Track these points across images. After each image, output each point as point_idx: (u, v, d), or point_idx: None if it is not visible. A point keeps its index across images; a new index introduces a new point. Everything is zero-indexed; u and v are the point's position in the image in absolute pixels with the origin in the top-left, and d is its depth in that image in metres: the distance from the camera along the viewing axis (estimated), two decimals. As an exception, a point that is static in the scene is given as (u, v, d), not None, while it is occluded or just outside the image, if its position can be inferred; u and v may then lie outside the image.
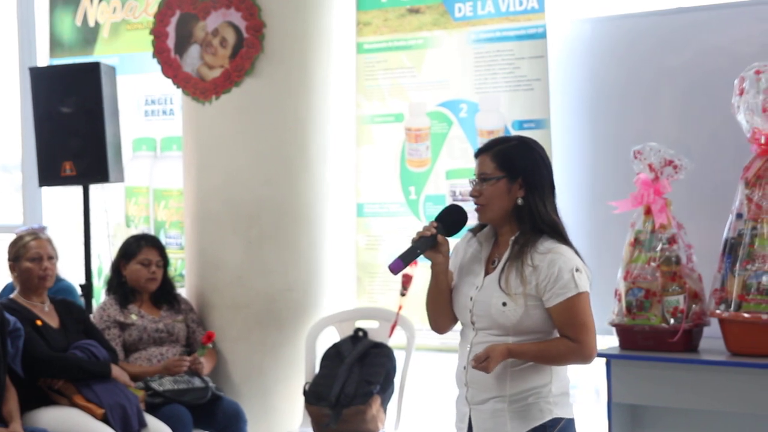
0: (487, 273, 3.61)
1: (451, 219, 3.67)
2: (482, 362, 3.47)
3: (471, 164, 5.54)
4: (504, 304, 3.51)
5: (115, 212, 6.92)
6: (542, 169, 3.60)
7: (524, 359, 3.53)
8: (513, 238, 3.56)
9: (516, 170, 3.56)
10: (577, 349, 3.52)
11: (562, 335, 3.53)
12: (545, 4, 5.42)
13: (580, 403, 6.02)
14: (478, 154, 3.64)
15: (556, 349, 3.53)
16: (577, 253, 3.58)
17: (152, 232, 6.62)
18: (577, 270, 3.51)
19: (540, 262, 3.50)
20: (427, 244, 3.60)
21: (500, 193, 3.56)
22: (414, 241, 3.61)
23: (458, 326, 3.75)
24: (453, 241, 3.69)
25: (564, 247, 3.55)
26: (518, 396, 3.55)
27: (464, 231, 3.73)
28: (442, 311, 3.71)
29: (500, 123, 5.54)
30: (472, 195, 3.60)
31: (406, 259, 3.58)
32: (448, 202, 5.67)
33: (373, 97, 5.90)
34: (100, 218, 6.78)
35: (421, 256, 3.61)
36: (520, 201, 3.55)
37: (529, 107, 5.46)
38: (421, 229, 3.62)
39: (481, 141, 5.57)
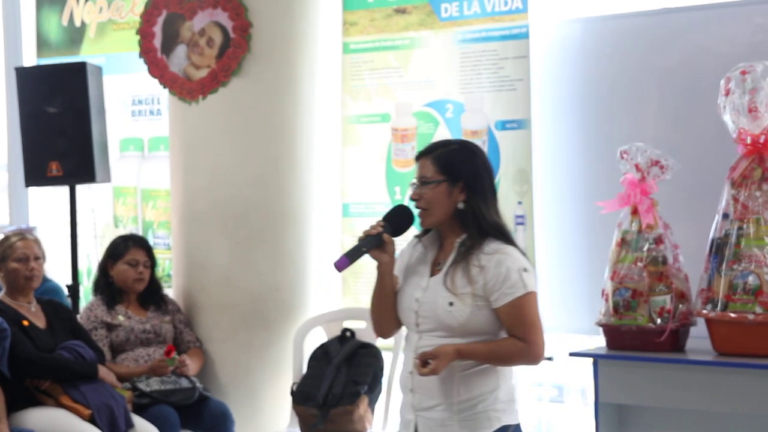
0: (432, 275, 3.60)
1: (397, 219, 3.66)
2: (429, 363, 3.44)
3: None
4: (451, 303, 3.50)
5: (104, 213, 6.91)
6: (483, 173, 3.60)
7: (473, 360, 3.51)
8: (459, 240, 3.56)
9: (457, 174, 3.56)
10: (526, 349, 3.52)
11: (511, 335, 3.52)
12: (528, 4, 5.42)
13: (568, 403, 6.04)
14: (419, 157, 3.64)
15: (505, 349, 3.52)
16: (523, 254, 3.59)
17: (140, 233, 6.62)
18: (524, 270, 3.52)
19: (487, 263, 3.50)
20: (372, 243, 3.59)
21: (441, 197, 3.56)
22: (360, 240, 3.60)
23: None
24: (402, 243, 3.68)
25: (511, 248, 3.56)
26: (466, 404, 3.53)
27: (413, 231, 3.73)
28: (386, 314, 3.69)
29: (484, 123, 5.55)
30: (412, 198, 3.60)
31: (352, 257, 3.58)
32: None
33: (359, 98, 5.90)
34: (88, 218, 6.77)
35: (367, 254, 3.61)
36: (461, 205, 3.55)
37: (512, 107, 5.47)
38: (368, 228, 3.61)
39: (466, 142, 5.58)
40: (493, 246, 3.53)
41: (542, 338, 3.56)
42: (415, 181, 3.61)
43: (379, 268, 3.63)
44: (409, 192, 3.63)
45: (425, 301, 3.56)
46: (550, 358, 5.37)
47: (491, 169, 3.65)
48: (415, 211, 3.64)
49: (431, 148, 3.64)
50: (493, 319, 3.52)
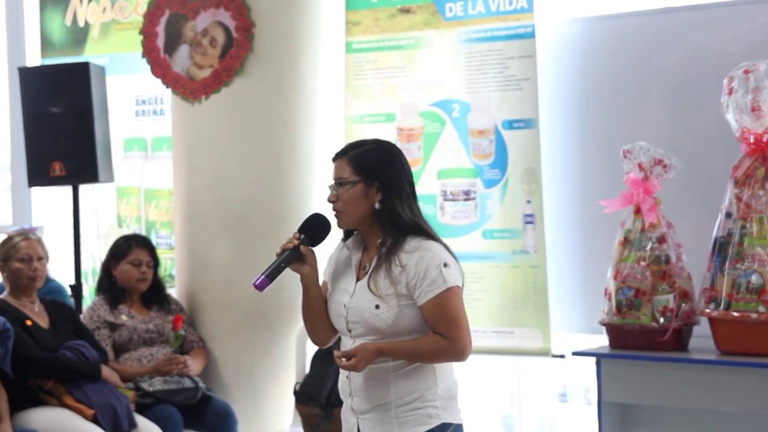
0: (358, 279, 3.55)
1: (313, 228, 3.60)
2: (350, 360, 3.40)
3: (463, 164, 5.60)
4: (377, 306, 3.44)
5: (107, 212, 6.91)
6: (399, 172, 3.54)
7: (395, 357, 3.44)
8: (379, 241, 3.51)
9: (372, 174, 3.50)
10: (449, 346, 3.44)
11: (435, 332, 3.46)
12: (534, 3, 5.42)
13: (571, 402, 6.05)
14: (335, 158, 3.59)
15: (427, 346, 3.45)
16: (447, 248, 3.53)
17: (143, 233, 6.61)
18: (445, 265, 3.44)
19: (408, 261, 3.44)
20: (291, 258, 3.53)
21: (357, 198, 3.49)
22: (278, 255, 3.54)
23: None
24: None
25: (432, 243, 3.49)
26: (403, 401, 3.47)
27: (334, 239, 3.66)
28: (318, 323, 3.63)
29: (490, 123, 5.54)
30: (329, 201, 3.54)
31: (272, 275, 3.50)
32: (439, 202, 5.67)
33: (363, 97, 5.89)
34: (91, 218, 6.77)
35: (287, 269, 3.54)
36: (377, 205, 3.49)
37: (519, 107, 5.46)
38: (286, 241, 3.56)
39: (472, 141, 5.58)
40: (413, 243, 3.46)
41: (466, 334, 3.47)
42: (332, 182, 3.56)
43: (302, 280, 3.57)
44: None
45: (352, 306, 3.51)
46: (562, 356, 5.37)
47: (408, 168, 3.58)
48: (332, 215, 3.58)
49: (347, 149, 3.59)
50: (421, 318, 3.46)
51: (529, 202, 5.44)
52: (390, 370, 3.47)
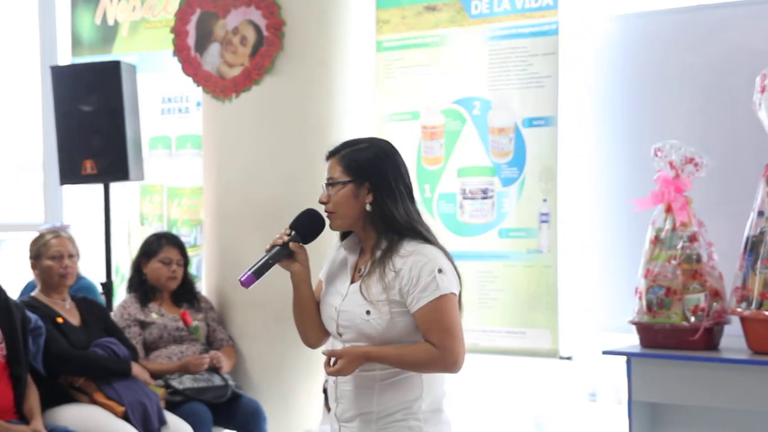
0: (353, 281, 3.41)
1: (305, 225, 3.48)
2: (335, 363, 3.29)
3: (482, 162, 5.59)
4: (368, 312, 3.32)
5: (131, 210, 6.93)
6: (392, 171, 3.39)
7: (383, 363, 3.32)
8: (374, 244, 3.38)
9: (363, 174, 3.36)
10: (439, 356, 3.28)
11: (427, 341, 3.30)
12: (559, 1, 5.41)
13: (601, 401, 6.02)
14: (328, 157, 3.46)
15: (416, 354, 3.30)
16: (446, 253, 3.38)
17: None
18: (440, 271, 3.29)
19: (402, 266, 3.30)
20: (280, 254, 3.42)
21: (348, 199, 3.36)
22: (267, 252, 3.44)
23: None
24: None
25: (428, 248, 3.34)
26: (385, 413, 3.35)
27: (329, 237, 3.56)
28: (309, 324, 3.51)
29: (511, 120, 5.54)
30: (320, 201, 3.43)
31: (259, 272, 3.41)
32: (459, 200, 5.67)
33: (392, 95, 5.90)
34: (120, 216, 6.79)
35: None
36: (368, 207, 3.36)
37: (539, 104, 5.46)
38: (277, 237, 3.45)
39: (492, 139, 5.58)
40: (409, 248, 3.32)
41: (459, 344, 3.30)
42: (324, 183, 3.45)
43: (292, 278, 3.47)
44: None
45: (343, 309, 3.38)
46: (569, 358, 5.36)
47: (403, 166, 3.43)
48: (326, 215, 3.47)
49: (339, 148, 3.46)
50: (414, 326, 3.32)
51: (545, 200, 5.43)
52: (376, 378, 3.35)
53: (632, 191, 4.95)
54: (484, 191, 5.61)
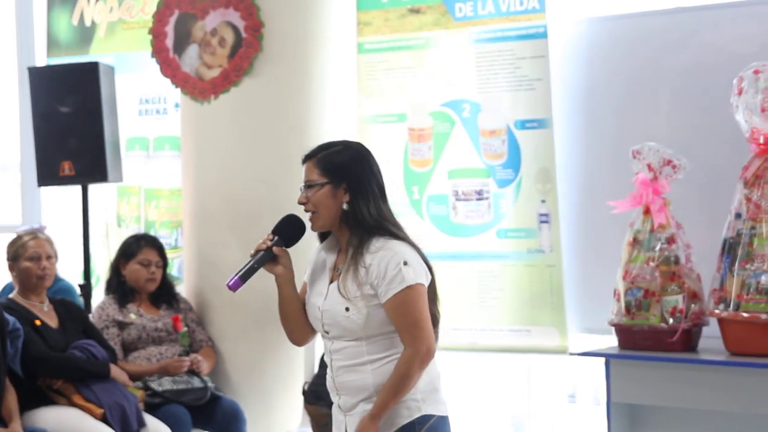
0: (332, 281, 3.58)
1: (287, 229, 3.64)
2: None
3: (474, 164, 5.59)
4: (347, 309, 3.48)
5: (108, 212, 6.91)
6: (367, 173, 3.57)
7: (389, 408, 3.46)
8: (347, 241, 3.54)
9: (339, 175, 3.53)
10: (414, 355, 3.44)
11: (399, 334, 3.47)
12: (546, 4, 5.42)
13: (579, 403, 6.04)
14: (304, 161, 3.62)
15: (399, 373, 3.45)
16: (415, 247, 3.54)
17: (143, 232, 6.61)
18: (405, 263, 3.45)
19: (371, 261, 3.46)
20: (264, 259, 3.58)
21: (326, 199, 3.53)
22: (252, 256, 3.59)
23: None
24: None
25: (395, 242, 3.50)
26: None
27: (309, 240, 3.70)
28: (294, 324, 3.68)
29: (502, 123, 5.55)
30: (299, 203, 3.58)
31: (245, 276, 3.56)
32: (451, 201, 5.67)
33: (374, 97, 5.90)
34: (98, 218, 6.77)
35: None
36: (345, 206, 3.52)
37: (531, 107, 5.47)
38: (260, 242, 3.60)
39: (483, 141, 5.59)
40: (377, 244, 3.49)
41: (426, 331, 3.46)
42: (302, 185, 3.60)
43: (276, 281, 3.63)
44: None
45: (326, 308, 3.54)
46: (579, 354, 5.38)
47: (377, 168, 3.61)
48: (306, 217, 3.62)
49: (315, 151, 3.62)
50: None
51: (543, 201, 5.44)
52: (367, 363, 3.51)
53: (620, 193, 4.96)
54: (479, 192, 5.61)
